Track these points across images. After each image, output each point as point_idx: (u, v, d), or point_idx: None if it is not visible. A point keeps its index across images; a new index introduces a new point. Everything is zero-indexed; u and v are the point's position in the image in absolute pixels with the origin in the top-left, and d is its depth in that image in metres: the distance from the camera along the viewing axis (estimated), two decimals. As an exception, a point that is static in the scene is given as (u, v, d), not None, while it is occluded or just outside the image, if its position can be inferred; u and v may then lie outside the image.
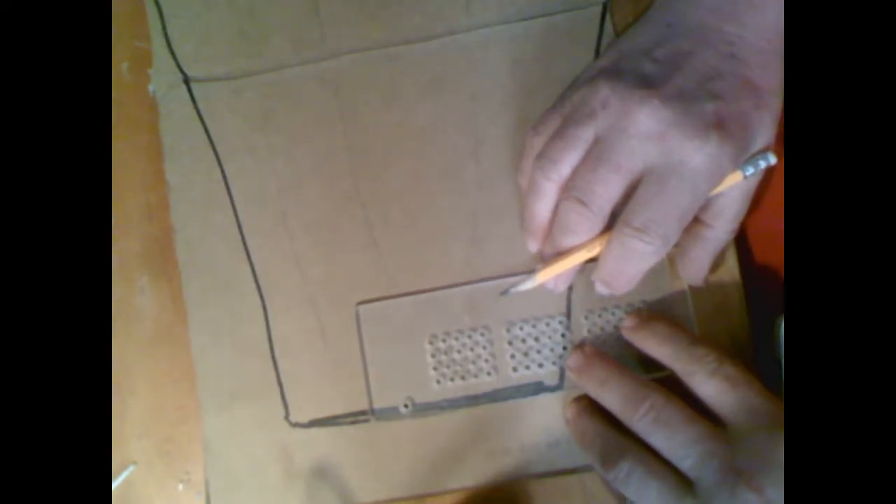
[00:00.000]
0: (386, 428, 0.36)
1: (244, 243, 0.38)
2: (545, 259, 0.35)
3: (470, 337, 0.36)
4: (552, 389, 0.36)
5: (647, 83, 0.31)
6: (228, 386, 0.37)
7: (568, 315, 0.36)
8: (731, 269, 0.36)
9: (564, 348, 0.36)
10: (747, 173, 0.31)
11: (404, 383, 0.36)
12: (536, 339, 0.36)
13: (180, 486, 0.38)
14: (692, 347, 0.32)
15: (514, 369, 0.36)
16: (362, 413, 0.36)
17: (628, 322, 0.35)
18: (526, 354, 0.36)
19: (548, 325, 0.36)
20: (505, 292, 0.35)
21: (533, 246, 0.35)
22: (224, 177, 0.39)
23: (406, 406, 0.36)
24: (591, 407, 0.34)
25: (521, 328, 0.36)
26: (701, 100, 0.30)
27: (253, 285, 0.38)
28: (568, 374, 0.35)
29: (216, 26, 0.40)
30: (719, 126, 0.29)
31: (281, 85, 0.39)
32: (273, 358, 0.37)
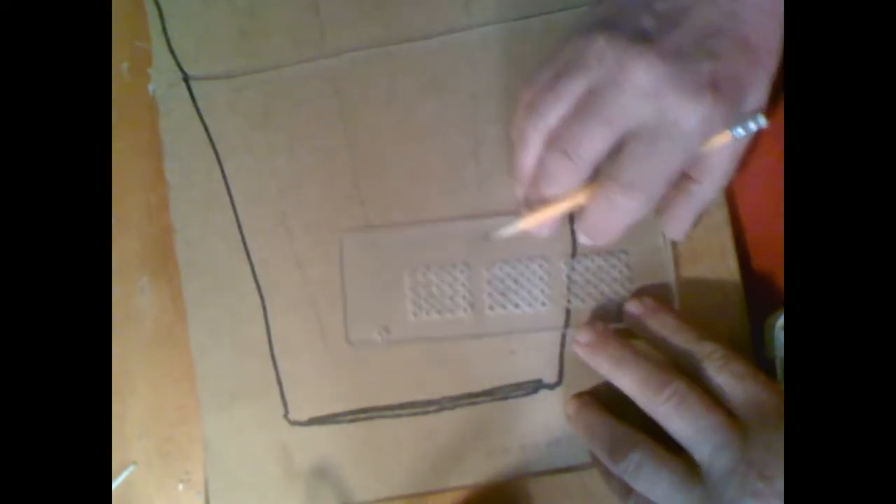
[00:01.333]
0: (385, 426, 0.36)
1: (244, 243, 0.38)
2: (529, 205, 0.34)
3: (449, 273, 0.37)
4: (551, 387, 0.36)
5: (644, 38, 0.30)
6: (228, 385, 0.37)
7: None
8: (731, 270, 0.36)
9: (542, 291, 0.36)
10: (738, 135, 0.31)
11: (381, 314, 0.37)
12: (515, 281, 0.36)
13: (180, 486, 0.38)
14: (699, 343, 0.32)
15: (491, 308, 0.36)
16: (362, 411, 0.37)
17: (634, 309, 0.34)
18: (503, 294, 0.36)
19: (527, 267, 0.36)
20: (486, 237, 0.35)
21: (519, 192, 0.35)
22: (224, 176, 0.39)
23: (380, 335, 0.36)
24: (593, 401, 0.34)
25: (501, 269, 0.36)
26: (697, 58, 0.30)
27: (253, 285, 0.38)
28: (576, 349, 0.35)
29: (216, 25, 0.40)
30: (713, 86, 0.29)
31: (281, 83, 0.39)
32: (273, 357, 0.37)
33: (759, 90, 0.31)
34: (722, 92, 0.29)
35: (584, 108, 0.31)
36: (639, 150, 0.30)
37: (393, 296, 0.37)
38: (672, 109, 0.29)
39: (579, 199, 0.32)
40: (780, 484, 0.28)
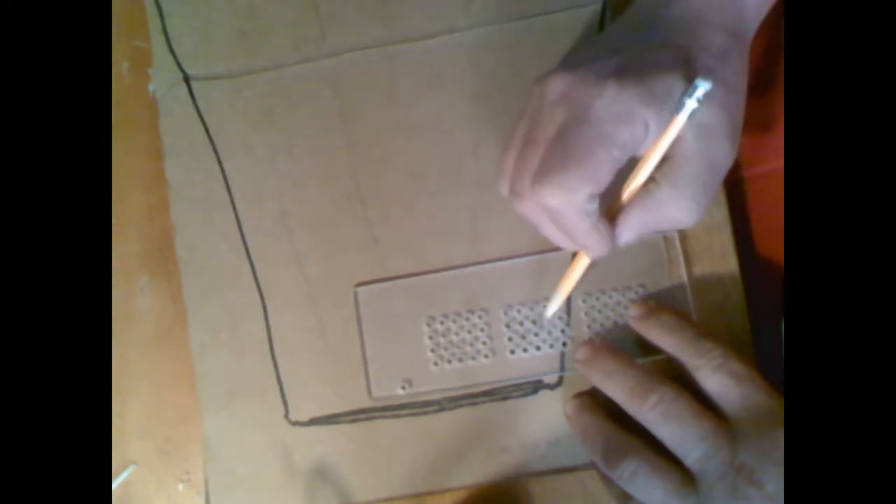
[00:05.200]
0: (385, 426, 0.36)
1: (244, 242, 0.38)
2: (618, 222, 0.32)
3: (468, 319, 0.36)
4: (551, 387, 0.36)
5: (564, 64, 0.31)
6: (228, 385, 0.37)
7: (567, 300, 0.36)
8: (731, 268, 0.36)
9: (562, 331, 0.36)
10: (685, 106, 0.29)
11: (402, 366, 0.36)
12: (534, 322, 0.36)
13: (180, 486, 0.38)
14: (699, 341, 0.32)
15: (512, 352, 0.36)
16: (362, 411, 0.37)
17: (635, 311, 0.35)
18: (523, 337, 0.36)
19: (545, 307, 0.36)
20: (541, 318, 0.36)
21: (597, 252, 0.32)
22: (224, 175, 0.39)
23: (403, 388, 0.36)
24: (592, 403, 0.34)
25: (519, 311, 0.36)
26: (602, 59, 0.30)
27: (253, 284, 0.38)
28: (575, 365, 0.35)
29: (216, 25, 0.40)
30: (618, 74, 0.29)
31: (281, 83, 0.39)
32: (273, 356, 0.37)
33: (679, 75, 0.29)
34: (629, 77, 0.29)
35: (525, 145, 0.31)
36: (554, 145, 0.30)
37: (412, 346, 0.37)
38: (579, 103, 0.30)
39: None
40: (771, 488, 0.28)
